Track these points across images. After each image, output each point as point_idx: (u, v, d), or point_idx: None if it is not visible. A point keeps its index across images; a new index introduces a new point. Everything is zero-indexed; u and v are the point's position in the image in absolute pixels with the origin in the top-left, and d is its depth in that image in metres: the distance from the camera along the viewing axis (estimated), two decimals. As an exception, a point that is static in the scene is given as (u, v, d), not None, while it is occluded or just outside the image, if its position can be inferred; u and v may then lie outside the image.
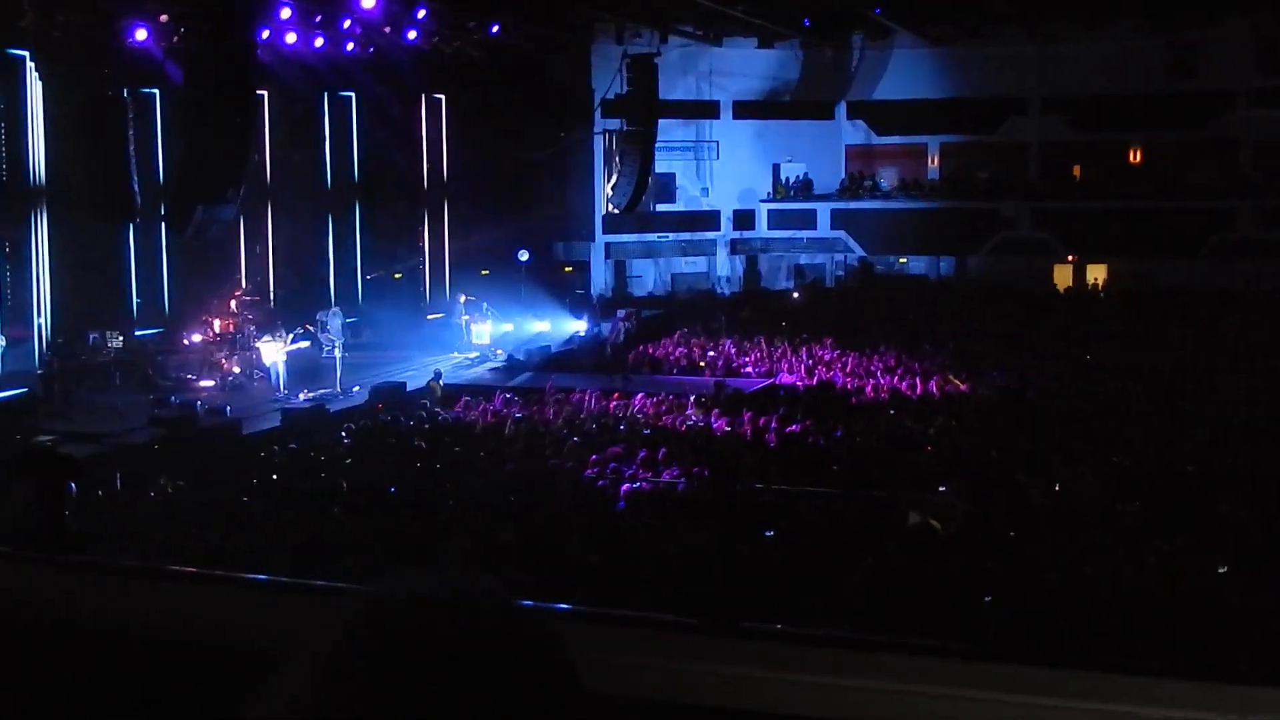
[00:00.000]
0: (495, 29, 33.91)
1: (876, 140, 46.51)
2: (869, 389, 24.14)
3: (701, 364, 28.40)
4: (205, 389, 25.20)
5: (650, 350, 30.07)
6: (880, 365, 26.97)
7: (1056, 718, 3.05)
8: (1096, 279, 43.21)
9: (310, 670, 1.23)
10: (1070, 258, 43.40)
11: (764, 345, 29.62)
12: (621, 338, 30.38)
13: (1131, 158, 44.21)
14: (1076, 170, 44.75)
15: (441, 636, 1.25)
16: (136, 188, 24.45)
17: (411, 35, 32.06)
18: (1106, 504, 14.49)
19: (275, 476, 17.17)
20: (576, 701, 1.28)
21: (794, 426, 19.76)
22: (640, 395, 22.87)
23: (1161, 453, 17.71)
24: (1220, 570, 11.57)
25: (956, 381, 24.81)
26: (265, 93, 29.54)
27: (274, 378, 25.09)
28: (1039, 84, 43.82)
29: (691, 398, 22.57)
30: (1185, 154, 43.11)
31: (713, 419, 20.96)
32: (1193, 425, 19.60)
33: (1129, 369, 25.72)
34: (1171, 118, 42.21)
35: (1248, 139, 42.44)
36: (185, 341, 27.09)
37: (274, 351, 25.22)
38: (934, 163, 46.46)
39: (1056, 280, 43.60)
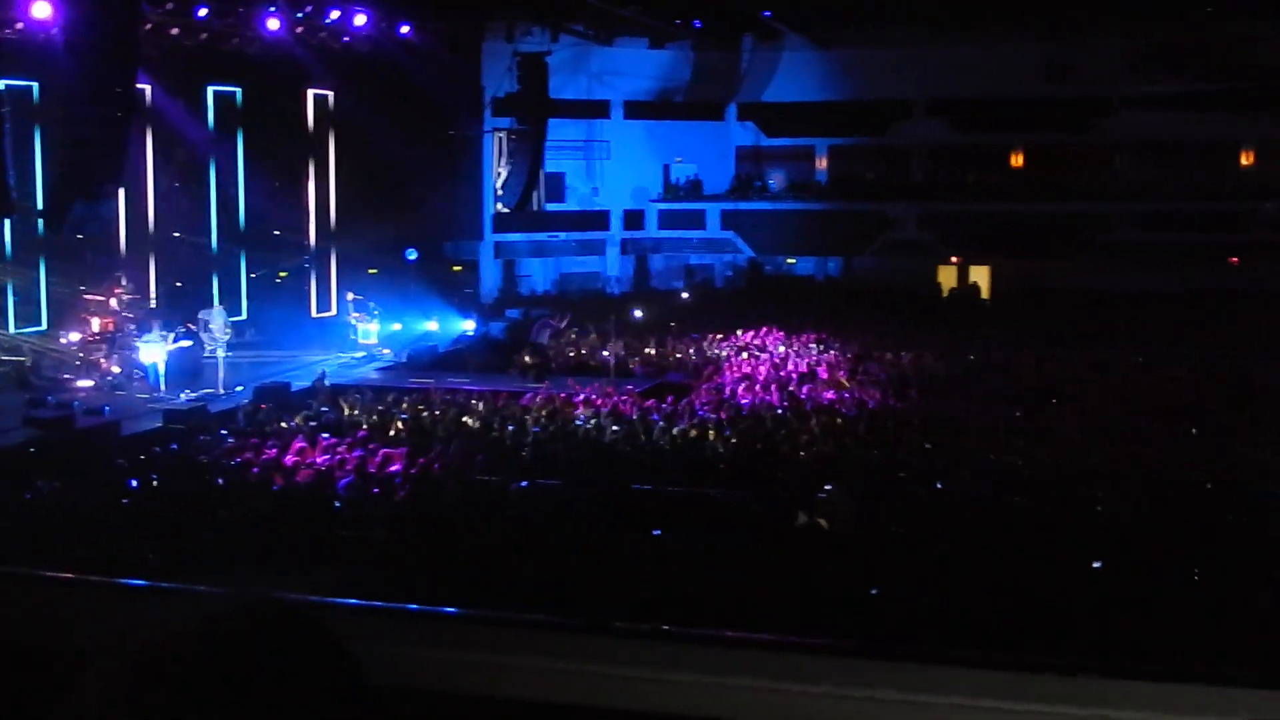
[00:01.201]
0: (383, 25, 33.60)
1: (766, 142, 46.96)
2: (757, 387, 24.32)
3: (593, 363, 28.45)
4: (83, 389, 24.58)
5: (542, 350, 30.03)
6: (768, 364, 27.27)
7: (921, 714, 3.08)
8: (977, 280, 44.08)
9: (108, 672, 1.31)
10: (954, 259, 44.22)
11: (654, 344, 29.92)
12: (547, 338, 29.97)
13: (1013, 161, 45.16)
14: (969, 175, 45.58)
15: (222, 643, 1.33)
16: (12, 183, 23.79)
17: (299, 30, 31.61)
18: (987, 501, 14.76)
19: (155, 478, 16.81)
20: (355, 696, 1.36)
21: (681, 425, 19.86)
22: (530, 395, 22.82)
23: (1040, 451, 18.08)
24: (1095, 565, 11.85)
25: (843, 381, 25.14)
26: (147, 87, 28.92)
27: (154, 378, 24.55)
28: (923, 88, 44.55)
29: (582, 397, 22.56)
30: (1064, 157, 44.14)
31: (603, 418, 20.98)
32: (1069, 424, 20.05)
33: (1009, 368, 26.27)
34: (1050, 121, 43.21)
35: (1123, 143, 43.59)
36: (63, 340, 26.39)
37: (154, 351, 24.67)
38: (822, 164, 47.03)
39: (941, 281, 44.40)
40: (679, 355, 29.29)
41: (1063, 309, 36.07)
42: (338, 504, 14.85)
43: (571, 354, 29.61)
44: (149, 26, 27.50)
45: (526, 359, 27.24)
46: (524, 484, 15.61)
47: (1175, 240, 40.63)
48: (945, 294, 43.55)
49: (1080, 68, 43.14)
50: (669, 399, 22.55)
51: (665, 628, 3.20)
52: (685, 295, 42.36)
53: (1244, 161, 42.84)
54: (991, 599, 10.67)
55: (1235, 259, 41.83)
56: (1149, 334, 31.27)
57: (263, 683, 1.30)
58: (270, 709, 1.29)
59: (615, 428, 20.10)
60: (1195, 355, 27.80)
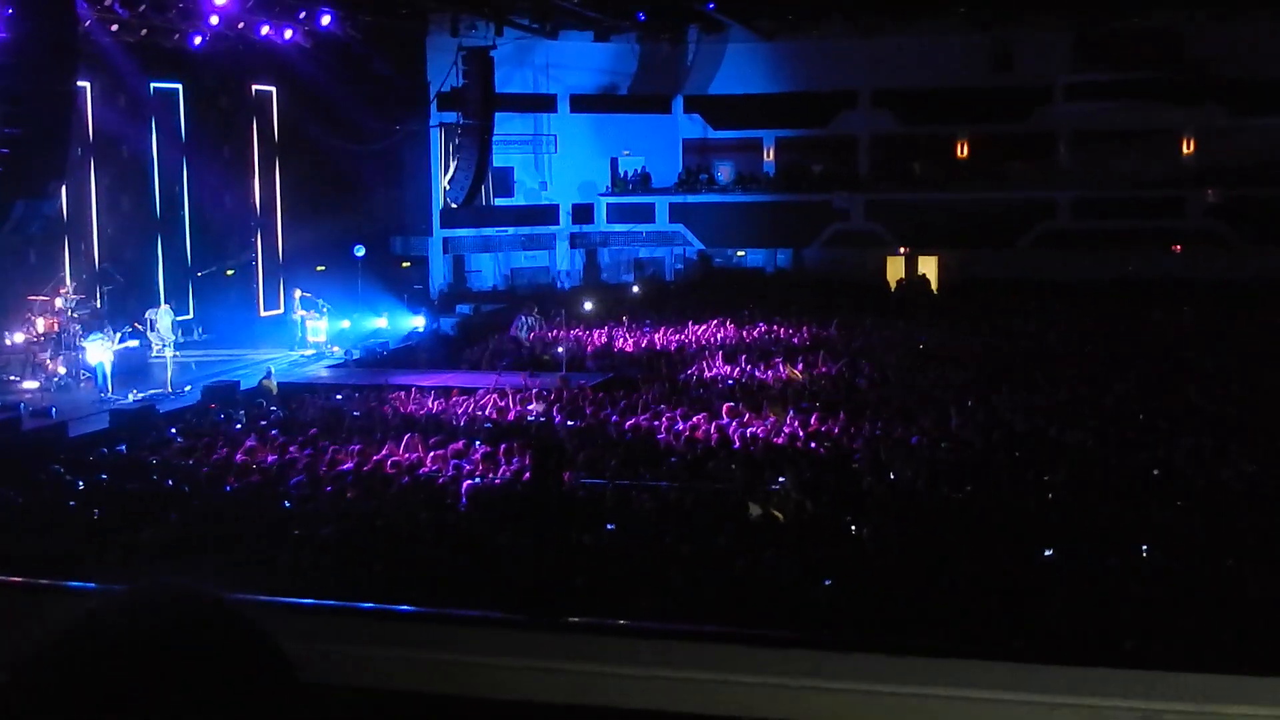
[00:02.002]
0: (326, 19, 33.38)
1: (713, 134, 47.05)
2: (707, 378, 24.42)
3: (545, 358, 28.40)
4: (29, 391, 24.31)
5: (492, 345, 30.01)
6: (721, 357, 27.37)
7: (878, 704, 3.13)
8: (925, 270, 44.38)
9: (26, 669, 1.31)
10: (902, 250, 44.49)
11: (605, 338, 29.99)
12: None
13: (958, 151, 45.48)
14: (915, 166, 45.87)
15: (144, 637, 1.32)
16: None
17: (240, 25, 31.34)
18: (936, 490, 14.89)
19: (103, 478, 16.67)
20: (282, 690, 1.35)
21: (635, 420, 19.91)
22: (482, 391, 22.79)
23: (988, 438, 18.25)
24: (1046, 553, 11.98)
25: (794, 371, 25.26)
26: (89, 84, 28.60)
27: (101, 378, 24.31)
28: (868, 79, 44.80)
29: (534, 391, 22.55)
30: (1007, 147, 44.52)
31: (555, 413, 21.00)
32: (1015, 411, 20.24)
33: (957, 357, 26.47)
34: (994, 112, 43.58)
35: (1064, 132, 44.04)
36: (7, 341, 26.06)
37: (101, 351, 24.41)
38: (769, 156, 47.16)
39: (889, 272, 44.67)
40: (630, 349, 29.34)
41: (1009, 297, 36.40)
42: (288, 503, 14.79)
43: (523, 349, 29.58)
44: (88, 23, 27.19)
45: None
46: (476, 480, 15.62)
47: (1117, 228, 41.14)
48: (893, 284, 43.80)
49: (1022, 58, 43.57)
50: (621, 393, 22.61)
51: (618, 622, 3.24)
52: (635, 289, 42.40)
53: (1184, 150, 43.38)
54: (944, 588, 10.78)
55: (1178, 246, 42.41)
56: (1092, 321, 31.63)
57: (168, 672, 1.29)
58: (179, 698, 1.28)
59: (571, 422, 20.14)
60: (1137, 342, 28.13)
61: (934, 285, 43.37)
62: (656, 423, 19.71)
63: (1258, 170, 41.01)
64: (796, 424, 19.39)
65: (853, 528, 13.17)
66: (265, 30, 32.53)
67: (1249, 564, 11.30)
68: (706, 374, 24.76)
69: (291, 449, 17.85)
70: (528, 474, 15.18)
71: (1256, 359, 25.28)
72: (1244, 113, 41.92)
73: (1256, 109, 41.59)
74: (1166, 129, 42.76)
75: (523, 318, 29.41)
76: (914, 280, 43.66)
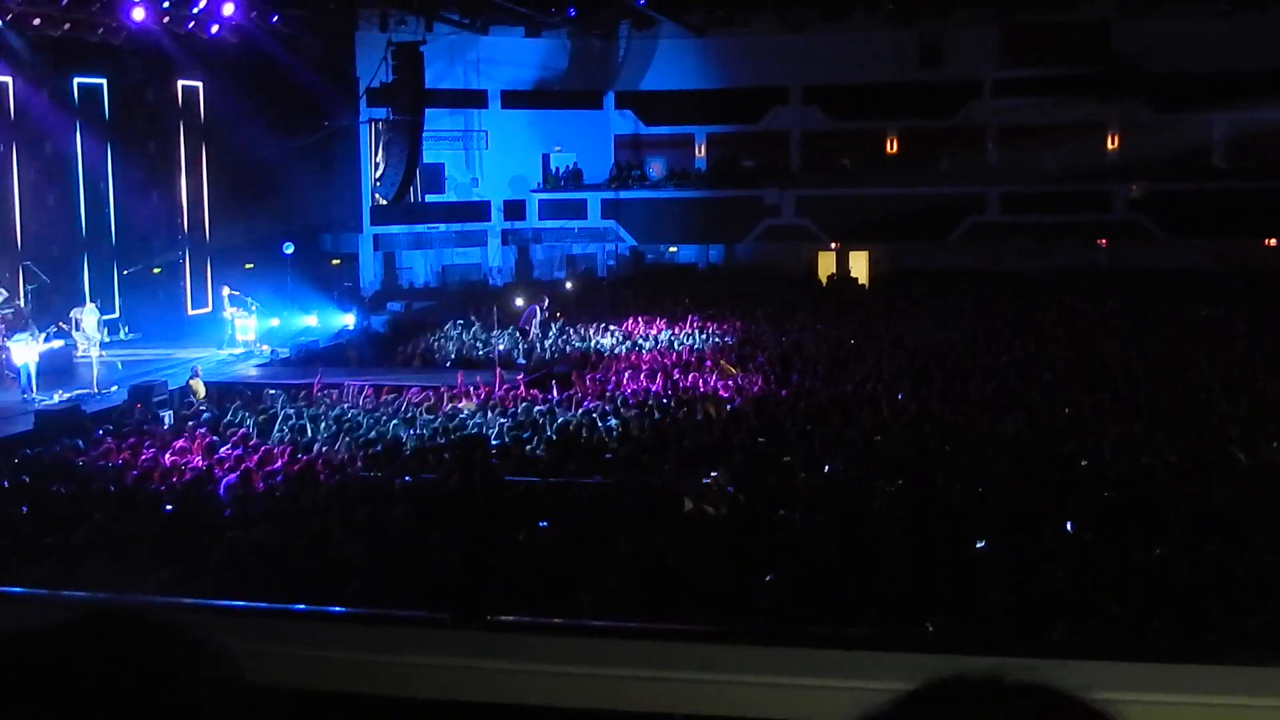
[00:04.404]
0: (253, 14, 33.01)
1: (645, 130, 47.13)
2: (642, 376, 24.42)
3: (477, 355, 28.29)
4: (-50, 392, 23.87)
5: (423, 343, 29.85)
6: (652, 352, 27.43)
7: (820, 696, 3.14)
8: (856, 264, 44.77)
9: None
10: (834, 244, 44.82)
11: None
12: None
13: (887, 146, 45.85)
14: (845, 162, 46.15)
15: (77, 653, 1.30)
16: None
17: (165, 20, 30.91)
18: (869, 484, 14.98)
19: (27, 480, 16.38)
20: (218, 699, 1.33)
21: (565, 415, 19.89)
22: (415, 389, 22.65)
23: (920, 430, 18.41)
24: (979, 545, 12.08)
25: (729, 367, 25.32)
26: (9, 79, 28.12)
27: (25, 379, 23.89)
28: (799, 75, 45.08)
29: (471, 388, 22.45)
30: (936, 142, 44.94)
31: (486, 410, 20.92)
32: (946, 402, 20.44)
33: (888, 350, 26.70)
34: (922, 107, 44.00)
35: (993, 127, 44.55)
36: (-71, 343, 25.58)
37: (25, 351, 23.99)
38: (701, 152, 47.31)
39: (821, 266, 45.00)
40: (563, 345, 29.28)
41: (939, 290, 36.75)
42: (219, 503, 14.61)
43: (455, 346, 29.43)
44: (9, 17, 26.73)
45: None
46: (407, 479, 15.52)
47: (1045, 221, 41.70)
48: (825, 279, 44.12)
49: (951, 54, 44.03)
50: (553, 389, 22.57)
51: (549, 620, 3.23)
52: (568, 285, 42.35)
53: (1110, 144, 44.03)
54: (881, 581, 10.85)
55: (1104, 240, 43.08)
56: (1020, 313, 32.03)
57: (91, 688, 1.27)
58: (104, 712, 1.26)
59: (502, 420, 20.06)
60: (1062, 333, 28.52)
61: (865, 279, 43.75)
62: (591, 404, 19.73)
63: (1179, 165, 41.73)
64: (729, 410, 19.47)
65: (786, 520, 13.21)
66: (191, 25, 32.12)
67: (1177, 551, 11.47)
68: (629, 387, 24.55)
69: (222, 449, 17.64)
70: (459, 473, 15.13)
71: (1178, 349, 25.75)
72: (1167, 108, 42.65)
73: (1179, 104, 42.33)
74: (1092, 124, 43.38)
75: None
76: (844, 274, 44.03)
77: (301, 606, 3.92)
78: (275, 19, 34.25)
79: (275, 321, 31.51)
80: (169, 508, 14.23)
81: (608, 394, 22.12)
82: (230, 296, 30.43)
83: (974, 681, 1.38)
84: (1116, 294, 35.16)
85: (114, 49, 30.92)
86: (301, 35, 35.75)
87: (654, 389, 22.79)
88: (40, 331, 24.76)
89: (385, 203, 39.72)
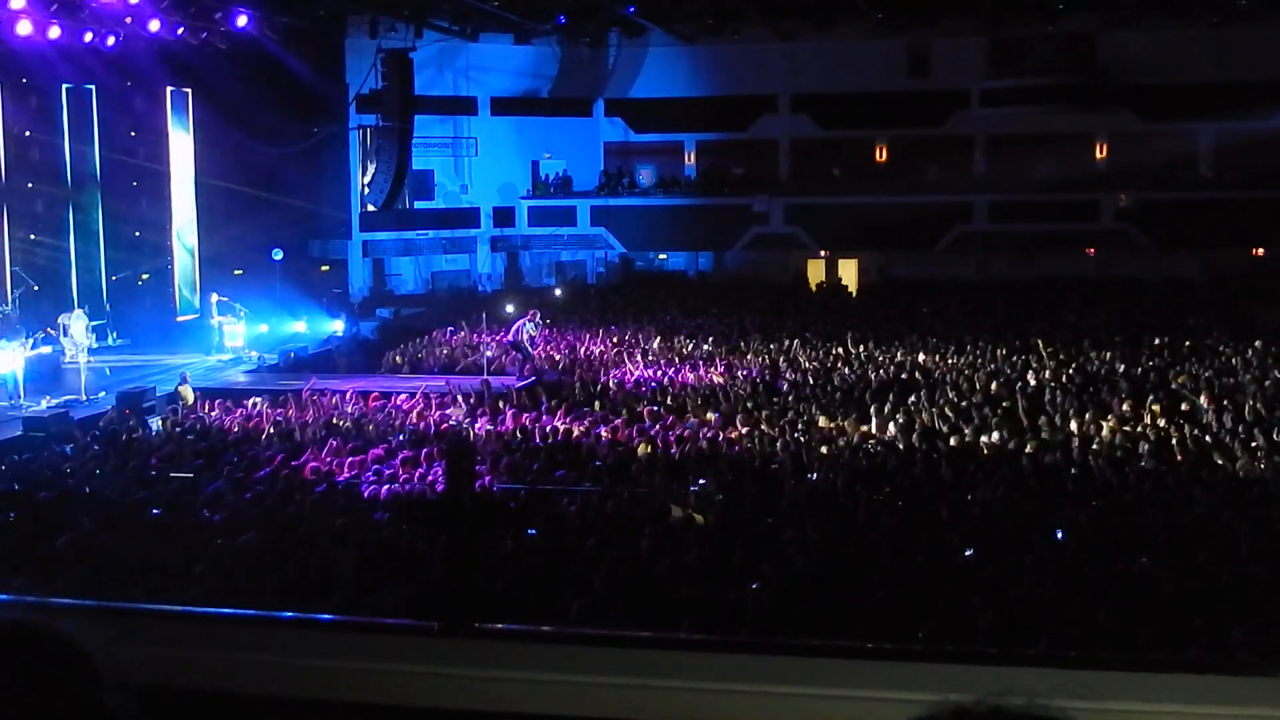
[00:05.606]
0: (243, 20, 32.97)
1: (634, 138, 47.18)
2: (628, 384, 24.44)
3: (467, 362, 28.26)
4: (-64, 399, 23.79)
5: (411, 349, 29.83)
6: (641, 361, 27.43)
7: (804, 706, 3.16)
8: (845, 272, 44.86)
9: None
10: (823, 252, 44.91)
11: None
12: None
13: (876, 155, 45.95)
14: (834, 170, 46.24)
15: None
16: None
17: (154, 26, 30.85)
18: (856, 492, 15.00)
19: (15, 487, 16.34)
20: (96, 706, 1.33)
21: (557, 423, 19.89)
22: (404, 396, 22.63)
23: (907, 439, 18.44)
24: (967, 553, 12.11)
25: (716, 376, 25.35)
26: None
27: (12, 385, 23.83)
28: (788, 83, 45.19)
29: (458, 397, 22.43)
30: (925, 151, 45.04)
31: (477, 417, 20.92)
32: (933, 412, 20.47)
33: (876, 359, 26.75)
34: (911, 116, 44.10)
35: (981, 136, 44.68)
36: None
37: (12, 357, 23.94)
38: (690, 160, 47.38)
39: (810, 274, 45.08)
40: (553, 353, 29.27)
41: (927, 299, 36.83)
42: (206, 510, 14.58)
43: (444, 352, 29.41)
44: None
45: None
46: (395, 486, 15.52)
47: (1032, 231, 41.81)
48: (814, 286, 44.20)
49: (939, 63, 44.16)
50: (543, 397, 22.56)
51: (541, 629, 3.24)
52: (558, 292, 42.37)
53: (1097, 154, 44.19)
54: (867, 590, 10.87)
55: (1092, 249, 43.20)
56: (1009, 322, 32.10)
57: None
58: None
59: (491, 427, 20.05)
60: (1052, 341, 28.56)
61: (854, 287, 43.83)
62: (578, 424, 19.72)
63: (1167, 174, 41.91)
64: (717, 425, 19.50)
65: (773, 529, 13.23)
66: (181, 32, 32.07)
67: (1161, 562, 11.51)
68: (628, 382, 24.71)
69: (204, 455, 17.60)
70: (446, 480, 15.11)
71: (1167, 358, 25.87)
72: (1154, 118, 42.83)
73: (1166, 114, 42.52)
74: (1079, 134, 43.54)
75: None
76: (833, 282, 44.11)
77: (288, 614, 3.92)
78: (266, 26, 34.17)
79: (264, 328, 31.46)
80: (156, 514, 14.20)
81: (598, 401, 22.13)
82: (219, 303, 30.39)
83: (975, 715, 1.39)
84: (1104, 303, 35.25)
85: (104, 56, 30.87)
86: (292, 42, 35.71)
87: (644, 394, 22.79)
88: (28, 337, 24.69)
89: (374, 209, 39.72)
